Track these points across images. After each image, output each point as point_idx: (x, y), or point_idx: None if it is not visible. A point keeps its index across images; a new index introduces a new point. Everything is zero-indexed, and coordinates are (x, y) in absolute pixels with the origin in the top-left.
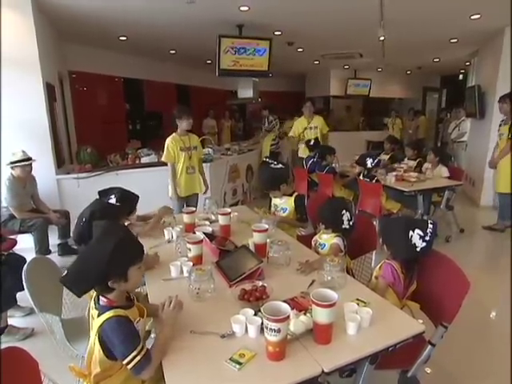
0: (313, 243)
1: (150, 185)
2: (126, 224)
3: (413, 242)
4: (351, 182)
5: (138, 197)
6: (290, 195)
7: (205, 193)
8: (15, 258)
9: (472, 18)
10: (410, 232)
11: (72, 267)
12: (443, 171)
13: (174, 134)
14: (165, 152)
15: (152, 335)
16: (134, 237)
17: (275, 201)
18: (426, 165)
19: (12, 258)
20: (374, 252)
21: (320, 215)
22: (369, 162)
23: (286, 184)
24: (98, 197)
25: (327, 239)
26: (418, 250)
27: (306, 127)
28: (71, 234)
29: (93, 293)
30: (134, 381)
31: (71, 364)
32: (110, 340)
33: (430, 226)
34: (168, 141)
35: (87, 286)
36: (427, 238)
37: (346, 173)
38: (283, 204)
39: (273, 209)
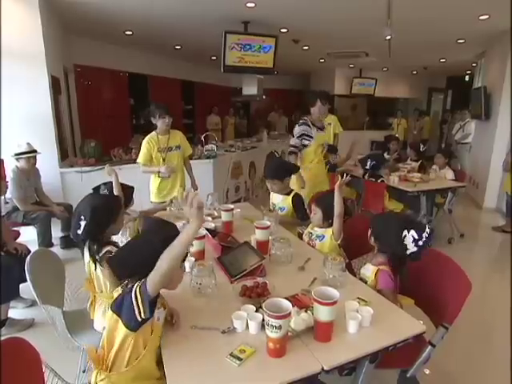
0: (305, 237)
1: None
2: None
3: (405, 243)
4: (335, 167)
5: (133, 188)
6: (288, 194)
7: None
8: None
9: (480, 18)
10: (405, 231)
11: (120, 253)
12: (449, 174)
13: (153, 132)
14: (140, 151)
15: None
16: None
17: (273, 199)
18: (435, 167)
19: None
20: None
21: (324, 207)
22: (368, 163)
23: (289, 178)
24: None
25: (326, 231)
26: (408, 253)
27: None
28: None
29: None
30: (147, 370)
31: (85, 345)
32: (118, 299)
33: (428, 230)
34: (145, 140)
35: (129, 274)
36: (420, 243)
37: (350, 172)
38: (281, 203)
39: (271, 207)
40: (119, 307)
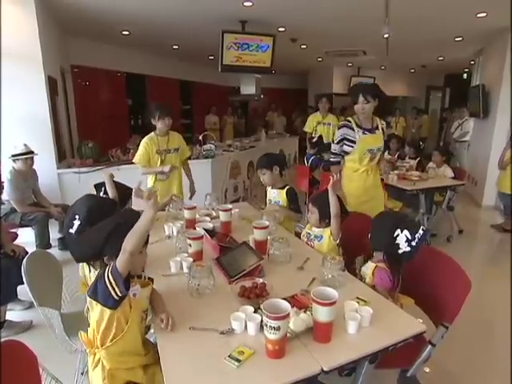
0: (303, 238)
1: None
2: None
3: (397, 242)
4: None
5: (131, 189)
6: (282, 188)
7: (190, 198)
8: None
9: (478, 16)
10: (398, 230)
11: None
12: (448, 172)
13: (151, 133)
14: (138, 152)
15: (151, 330)
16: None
17: (269, 195)
18: (431, 164)
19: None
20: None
21: (320, 206)
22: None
23: (278, 168)
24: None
25: (323, 231)
26: (400, 252)
27: (320, 122)
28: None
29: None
30: (134, 344)
31: (81, 331)
32: (93, 285)
33: (421, 231)
34: (144, 141)
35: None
36: (413, 244)
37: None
38: (276, 197)
39: (268, 203)
40: (94, 292)
